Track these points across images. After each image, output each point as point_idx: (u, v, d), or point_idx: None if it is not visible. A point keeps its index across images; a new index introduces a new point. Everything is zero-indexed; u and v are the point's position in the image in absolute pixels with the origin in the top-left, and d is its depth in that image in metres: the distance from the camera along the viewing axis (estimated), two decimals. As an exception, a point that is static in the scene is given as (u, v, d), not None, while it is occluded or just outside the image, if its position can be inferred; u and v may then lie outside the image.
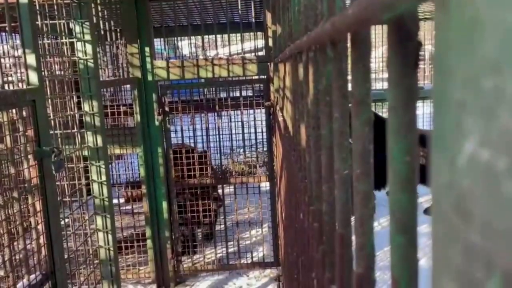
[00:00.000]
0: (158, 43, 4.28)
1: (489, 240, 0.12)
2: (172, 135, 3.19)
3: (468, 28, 0.13)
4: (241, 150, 5.03)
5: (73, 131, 2.13)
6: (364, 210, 0.42)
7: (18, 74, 1.71)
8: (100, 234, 2.21)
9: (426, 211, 3.98)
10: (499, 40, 0.12)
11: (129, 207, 3.64)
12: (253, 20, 3.18)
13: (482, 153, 0.13)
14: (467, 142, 0.13)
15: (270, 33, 2.86)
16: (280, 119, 2.03)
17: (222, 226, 3.38)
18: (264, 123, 3.17)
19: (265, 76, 2.97)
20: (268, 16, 2.88)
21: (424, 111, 5.62)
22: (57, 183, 1.87)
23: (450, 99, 0.14)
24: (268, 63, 2.91)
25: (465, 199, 0.14)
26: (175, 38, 4.96)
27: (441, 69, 0.15)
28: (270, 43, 2.87)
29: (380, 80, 6.41)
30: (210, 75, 2.91)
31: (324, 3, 0.60)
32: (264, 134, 3.23)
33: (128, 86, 3.62)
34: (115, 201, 2.98)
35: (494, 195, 0.12)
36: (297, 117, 1.08)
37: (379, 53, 7.00)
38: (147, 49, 2.86)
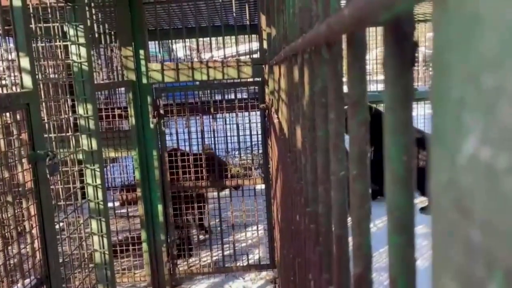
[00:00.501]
0: (152, 45, 4.28)
1: (490, 239, 0.12)
2: (167, 137, 3.18)
3: (467, 25, 0.13)
4: (237, 152, 5.02)
5: (67, 134, 2.12)
6: (361, 211, 0.42)
7: (12, 78, 1.70)
8: (95, 238, 2.20)
9: (423, 210, 4.00)
10: (499, 36, 0.12)
11: (124, 210, 3.63)
12: (248, 22, 3.18)
13: (482, 151, 0.13)
14: (467, 140, 0.13)
15: (264, 36, 2.87)
16: (276, 121, 2.03)
17: (218, 228, 3.37)
18: (259, 125, 3.17)
19: (260, 79, 2.98)
20: (263, 18, 2.89)
21: (418, 113, 5.65)
22: (51, 186, 1.86)
23: (449, 97, 0.14)
24: (263, 66, 2.91)
25: (465, 197, 0.14)
26: (170, 41, 4.95)
27: (440, 66, 0.15)
28: (265, 45, 2.88)
29: (374, 82, 6.43)
30: (205, 77, 2.90)
31: (319, 5, 0.60)
32: (259, 136, 3.23)
33: (122, 89, 3.61)
34: (110, 204, 2.97)
35: (494, 193, 0.12)
36: (293, 119, 1.08)
37: (373, 55, 7.03)
38: (141, 51, 2.85)
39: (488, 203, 0.12)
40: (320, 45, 0.59)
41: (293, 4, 0.96)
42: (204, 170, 3.19)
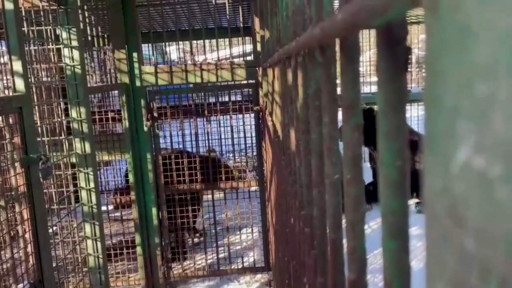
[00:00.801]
0: (146, 48, 4.27)
1: (484, 247, 0.12)
2: (161, 140, 3.17)
3: (459, 32, 0.13)
4: (231, 155, 5.02)
5: (60, 138, 2.11)
6: (355, 214, 0.42)
7: (4, 81, 1.69)
8: (89, 242, 2.19)
9: (418, 204, 4.01)
10: (491, 44, 0.12)
11: (118, 213, 3.61)
12: (241, 25, 3.18)
13: (475, 159, 0.13)
14: (460, 148, 0.13)
15: (258, 38, 2.87)
16: (270, 123, 2.04)
17: (213, 231, 3.37)
18: (253, 127, 3.17)
19: (254, 81, 2.98)
20: (256, 21, 2.89)
21: (411, 114, 5.68)
22: (44, 190, 1.85)
23: (442, 104, 0.14)
24: (257, 68, 2.91)
25: (459, 204, 0.14)
26: (163, 44, 4.95)
27: (433, 73, 0.15)
28: (259, 48, 2.88)
29: (368, 84, 6.46)
30: (198, 80, 2.90)
31: (312, 8, 0.60)
32: (254, 138, 3.23)
33: (116, 91, 3.60)
34: (103, 208, 2.95)
35: (488, 201, 0.12)
36: (287, 122, 1.08)
37: (366, 57, 7.06)
38: (135, 54, 2.85)
39: (482, 211, 0.12)
40: (314, 48, 0.59)
41: (286, 7, 0.97)
42: (209, 172, 3.19)
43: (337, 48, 0.48)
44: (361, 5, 0.25)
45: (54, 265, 1.81)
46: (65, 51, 2.07)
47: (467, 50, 0.13)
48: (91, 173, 2.15)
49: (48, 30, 2.10)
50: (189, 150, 3.37)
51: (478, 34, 0.12)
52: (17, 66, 1.61)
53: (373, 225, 3.71)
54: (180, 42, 5.16)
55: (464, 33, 0.13)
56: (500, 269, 0.11)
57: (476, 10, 0.12)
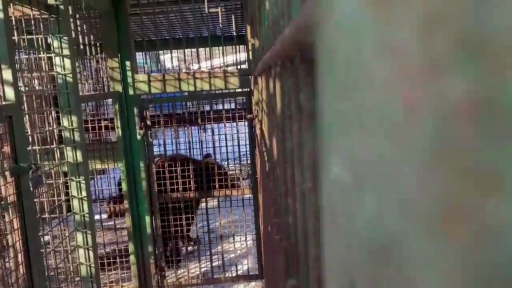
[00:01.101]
0: (140, 56, 4.29)
1: (347, 252, 0.13)
2: (155, 148, 3.18)
3: (330, 56, 0.14)
4: (225, 163, 5.02)
5: (52, 146, 2.11)
6: (317, 223, 0.43)
7: (-6, 90, 1.70)
8: (81, 251, 2.19)
9: None
10: (344, 67, 0.13)
11: (111, 222, 3.60)
12: (235, 33, 3.20)
13: (337, 169, 0.14)
14: (334, 160, 0.14)
15: (250, 46, 2.89)
16: (258, 131, 2.05)
17: (206, 239, 3.36)
18: (247, 135, 3.18)
19: (247, 89, 2.99)
20: (249, 29, 2.91)
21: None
22: (36, 199, 1.85)
23: (328, 120, 0.15)
24: (250, 76, 2.93)
25: (336, 213, 0.14)
26: (157, 52, 4.96)
27: (322, 91, 0.16)
28: (251, 56, 2.90)
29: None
30: (192, 88, 2.91)
31: (285, 19, 0.62)
32: (247, 146, 3.24)
33: (110, 100, 3.61)
34: (97, 216, 2.95)
35: (348, 207, 0.13)
36: (271, 130, 1.09)
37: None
38: (127, 63, 2.86)
39: (346, 218, 0.13)
40: (285, 59, 0.60)
41: (268, 17, 0.98)
42: (203, 179, 3.19)
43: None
44: (297, 23, 0.26)
45: (45, 274, 1.80)
46: (57, 60, 2.08)
47: (334, 72, 0.14)
48: (83, 182, 2.15)
49: (39, 39, 2.11)
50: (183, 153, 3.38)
51: (338, 56, 0.13)
52: (7, 75, 1.62)
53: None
54: (175, 51, 5.18)
55: (332, 55, 0.14)
56: (350, 273, 0.12)
57: (338, 34, 0.13)
